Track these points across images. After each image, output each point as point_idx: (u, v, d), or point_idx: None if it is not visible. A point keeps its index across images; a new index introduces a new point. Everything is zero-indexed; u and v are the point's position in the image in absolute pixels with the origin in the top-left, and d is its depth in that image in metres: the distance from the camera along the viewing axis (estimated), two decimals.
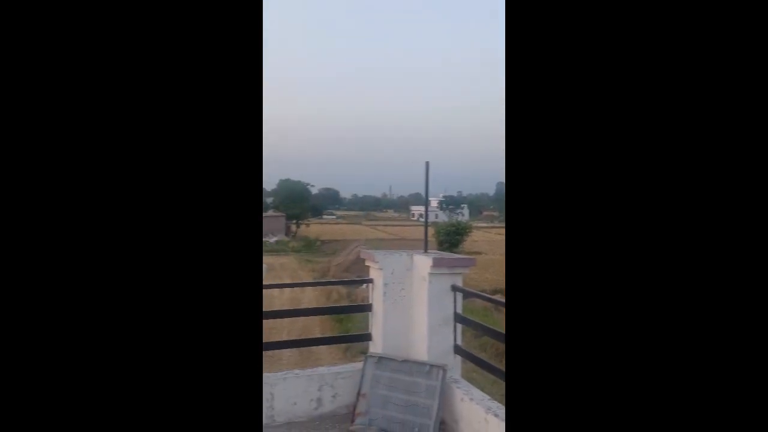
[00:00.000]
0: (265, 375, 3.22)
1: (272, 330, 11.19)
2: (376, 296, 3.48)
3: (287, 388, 3.16)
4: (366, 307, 3.59)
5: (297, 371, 3.33)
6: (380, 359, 3.23)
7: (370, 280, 3.56)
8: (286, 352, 10.18)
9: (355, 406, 3.14)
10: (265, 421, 3.08)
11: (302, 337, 11.15)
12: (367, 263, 3.57)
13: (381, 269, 3.38)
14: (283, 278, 23.91)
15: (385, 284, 3.37)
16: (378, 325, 3.44)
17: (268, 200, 60.21)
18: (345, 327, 12.92)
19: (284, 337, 12.10)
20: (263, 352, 3.29)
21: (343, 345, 10.79)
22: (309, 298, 17.18)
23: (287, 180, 56.30)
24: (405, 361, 3.18)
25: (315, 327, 13.16)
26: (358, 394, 3.16)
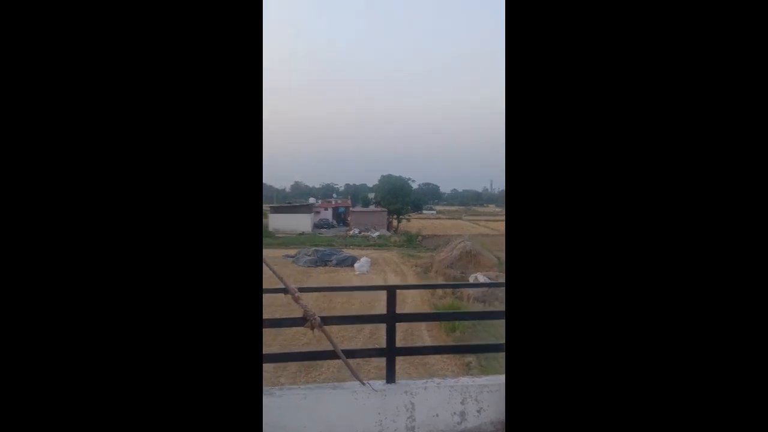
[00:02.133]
0: (405, 382, 3.03)
1: (375, 333, 11.07)
2: None
3: (428, 398, 2.92)
4: None
5: (437, 380, 3.08)
6: None
7: None
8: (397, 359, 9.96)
9: (504, 424, 2.82)
10: None
11: (408, 343, 10.71)
12: None
13: None
14: (387, 272, 24.11)
15: None
16: None
17: (369, 195, 61.55)
18: (452, 326, 12.50)
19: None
20: (385, 359, 3.12)
21: (458, 354, 10.26)
22: (413, 296, 16.97)
23: (389, 175, 57.03)
24: None
25: (422, 330, 12.81)
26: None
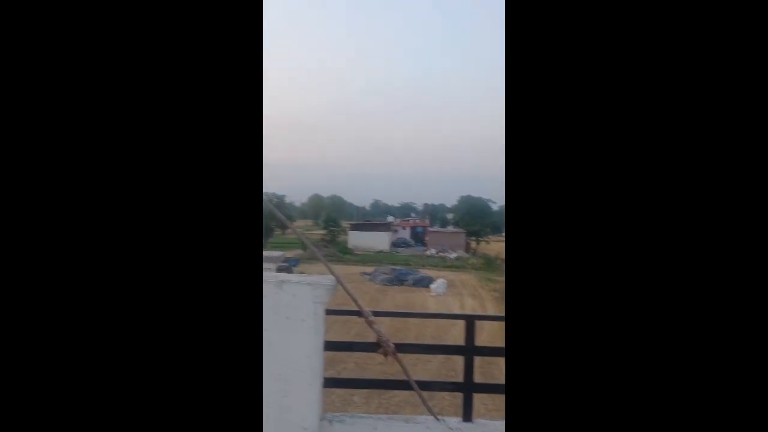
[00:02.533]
0: (483, 422, 2.82)
1: (447, 363, 10.67)
2: None
3: None
4: None
5: None
6: None
7: None
8: (478, 395, 9.45)
9: None
10: None
11: (485, 373, 10.18)
12: None
13: None
14: (463, 296, 23.55)
15: None
16: None
17: (448, 216, 61.07)
18: None
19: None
20: (473, 394, 2.92)
21: None
22: (490, 323, 16.29)
23: (468, 196, 56.30)
24: None
25: (500, 362, 12.18)
26: None
